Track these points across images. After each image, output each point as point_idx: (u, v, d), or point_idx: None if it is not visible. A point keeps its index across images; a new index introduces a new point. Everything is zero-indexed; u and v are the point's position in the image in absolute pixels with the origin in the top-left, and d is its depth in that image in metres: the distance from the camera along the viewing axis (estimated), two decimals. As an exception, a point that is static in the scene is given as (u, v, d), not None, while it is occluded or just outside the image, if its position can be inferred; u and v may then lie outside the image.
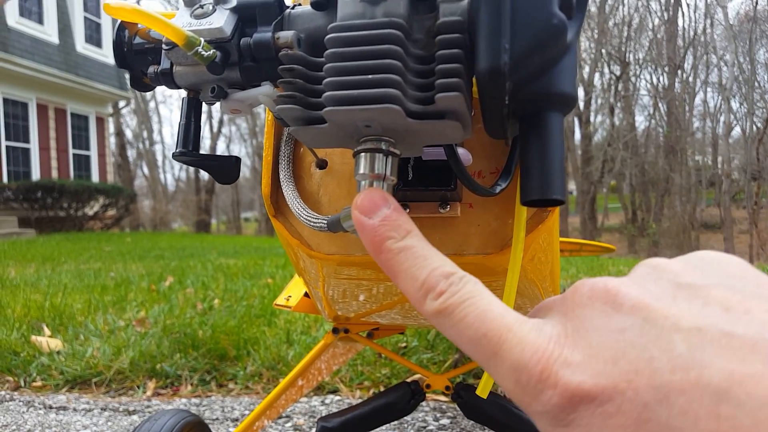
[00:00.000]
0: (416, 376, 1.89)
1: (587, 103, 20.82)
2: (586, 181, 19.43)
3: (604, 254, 3.84)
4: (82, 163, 15.67)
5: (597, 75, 20.96)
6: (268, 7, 0.52)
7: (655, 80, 21.07)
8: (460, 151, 0.63)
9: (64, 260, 7.08)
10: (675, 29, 19.36)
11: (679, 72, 19.35)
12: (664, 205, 18.05)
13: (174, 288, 3.99)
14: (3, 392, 2.16)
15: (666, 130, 19.81)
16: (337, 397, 2.00)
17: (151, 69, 0.55)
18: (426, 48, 0.50)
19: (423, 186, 0.66)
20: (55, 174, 14.36)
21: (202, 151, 0.58)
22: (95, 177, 15.89)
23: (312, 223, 0.66)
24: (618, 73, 20.43)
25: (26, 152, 13.87)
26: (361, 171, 0.51)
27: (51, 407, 1.95)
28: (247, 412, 1.88)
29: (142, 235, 15.11)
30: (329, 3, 0.50)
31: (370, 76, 0.46)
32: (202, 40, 0.51)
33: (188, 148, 0.56)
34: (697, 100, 20.71)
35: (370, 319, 1.07)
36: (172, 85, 0.55)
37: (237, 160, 0.60)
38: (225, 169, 0.58)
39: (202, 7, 0.53)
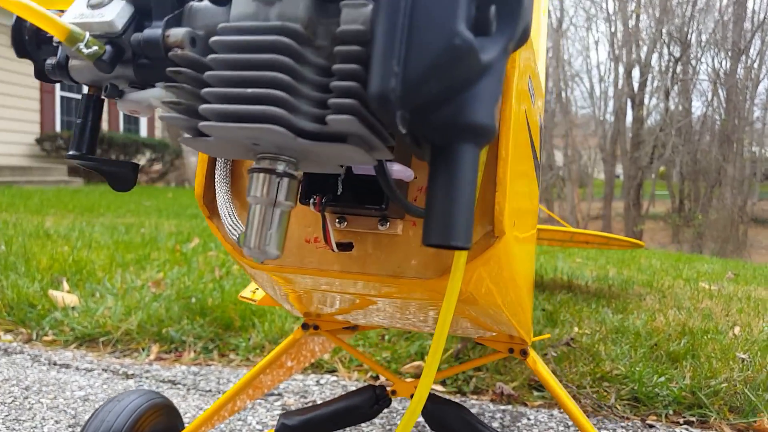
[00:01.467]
0: (383, 380, 1.86)
1: (642, 85, 19.95)
2: (634, 165, 18.78)
3: (632, 248, 3.69)
4: (132, 116, 16.06)
5: (655, 56, 20.00)
6: (162, 0, 0.47)
7: (716, 64, 19.98)
8: (396, 167, 0.57)
9: (102, 212, 7.30)
10: (743, 11, 18.22)
11: (744, 57, 18.28)
12: (713, 196, 17.33)
13: (197, 250, 4.05)
14: (15, 343, 2.24)
15: (723, 117, 18.87)
16: (333, 378, 1.99)
17: (49, 62, 0.51)
18: (330, 57, 0.44)
19: (356, 202, 0.61)
20: (105, 126, 14.76)
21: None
22: (143, 131, 16.27)
23: (231, 233, 0.62)
24: (678, 54, 19.45)
25: (79, 103, 14.27)
26: (252, 193, 0.47)
27: (55, 364, 2.01)
28: (240, 386, 1.89)
29: (184, 192, 15.44)
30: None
31: (252, 90, 0.40)
32: (87, 35, 0.46)
33: (82, 151, 0.52)
34: (761, 88, 19.59)
35: (343, 319, 1.03)
36: (69, 80, 0.51)
37: (135, 167, 0.56)
38: (121, 175, 0.54)
39: None
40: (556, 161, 21.04)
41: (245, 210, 0.67)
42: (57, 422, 1.49)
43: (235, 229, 0.61)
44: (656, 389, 1.75)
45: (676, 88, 19.78)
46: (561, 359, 1.95)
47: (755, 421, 1.61)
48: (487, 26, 0.38)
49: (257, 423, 1.58)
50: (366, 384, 1.05)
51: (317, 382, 1.95)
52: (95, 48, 0.46)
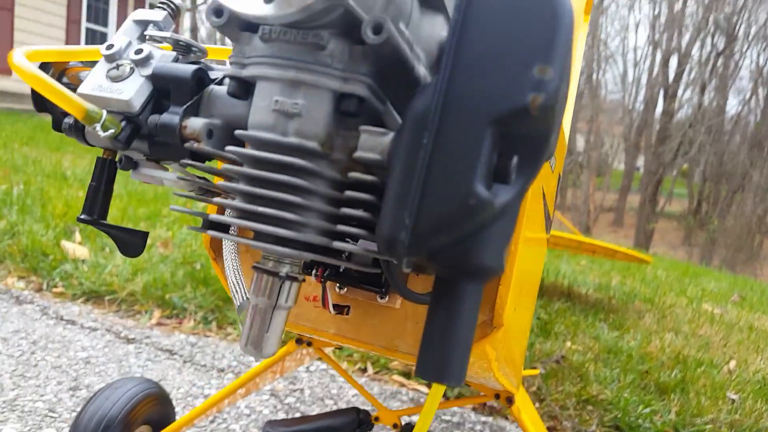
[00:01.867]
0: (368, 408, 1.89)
1: (678, 76, 19.40)
2: (657, 160, 18.49)
3: (639, 263, 3.69)
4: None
5: (697, 45, 19.32)
6: (181, 85, 0.47)
7: (761, 61, 19.32)
8: None
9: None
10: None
11: (790, 60, 17.69)
12: (733, 202, 17.07)
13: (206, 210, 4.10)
14: (26, 292, 2.30)
15: (758, 120, 18.41)
16: (323, 366, 2.03)
17: (67, 120, 0.52)
18: (344, 172, 0.44)
19: (357, 282, 0.62)
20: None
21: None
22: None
23: (234, 294, 0.64)
24: (721, 46, 18.81)
25: (104, 36, 14.20)
26: (254, 292, 0.48)
27: (62, 318, 2.07)
28: (234, 363, 1.94)
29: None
30: (247, 93, 0.45)
31: (263, 209, 0.41)
32: (104, 113, 0.47)
33: (94, 216, 0.53)
34: (802, 94, 18.98)
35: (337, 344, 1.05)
36: (84, 142, 0.52)
37: (144, 236, 0.57)
38: (131, 242, 0.56)
39: (118, 67, 0.49)
40: (577, 146, 20.74)
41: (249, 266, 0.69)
42: (59, 383, 1.55)
43: (237, 291, 0.63)
44: (639, 420, 1.78)
45: (713, 82, 19.23)
46: (549, 376, 1.98)
47: (732, 466, 1.64)
48: (507, 176, 0.38)
49: (245, 407, 1.63)
50: (351, 406, 1.08)
51: (307, 368, 2.00)
52: (111, 130, 0.47)
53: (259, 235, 0.42)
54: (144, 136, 0.50)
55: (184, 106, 0.48)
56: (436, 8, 0.46)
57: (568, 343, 2.32)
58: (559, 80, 0.34)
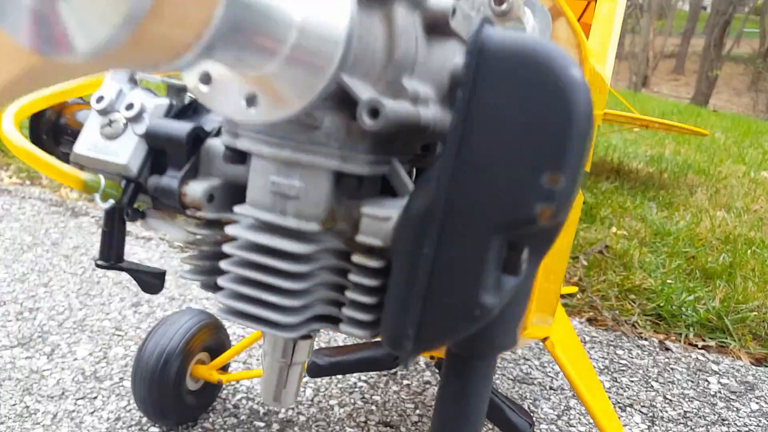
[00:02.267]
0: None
1: None
2: (726, -2, 16.73)
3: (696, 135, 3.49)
4: None
5: None
6: (177, 147, 0.44)
7: None
8: None
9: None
10: None
11: None
12: (810, 40, 15.52)
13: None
14: (80, 202, 2.41)
15: None
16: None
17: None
18: (349, 242, 0.41)
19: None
20: None
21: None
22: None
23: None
24: None
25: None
26: (266, 350, 0.48)
27: (117, 230, 2.18)
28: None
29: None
30: (243, 159, 0.41)
31: (256, 294, 0.40)
32: (102, 182, 0.45)
33: (111, 261, 0.53)
34: None
35: None
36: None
37: (162, 275, 0.57)
38: (150, 281, 0.56)
39: (111, 124, 0.46)
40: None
41: None
42: (122, 300, 1.67)
43: None
44: (683, 308, 1.79)
45: None
46: (591, 267, 1.99)
47: (774, 353, 1.66)
48: (517, 268, 0.35)
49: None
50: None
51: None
52: (111, 200, 0.45)
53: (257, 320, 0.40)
54: (146, 191, 0.48)
55: (182, 172, 0.45)
56: (444, 34, 0.40)
57: (614, 229, 2.29)
58: (572, 189, 0.30)
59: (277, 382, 0.48)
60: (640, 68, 18.08)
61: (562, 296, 1.87)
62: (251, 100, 0.32)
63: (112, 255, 0.53)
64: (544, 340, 1.03)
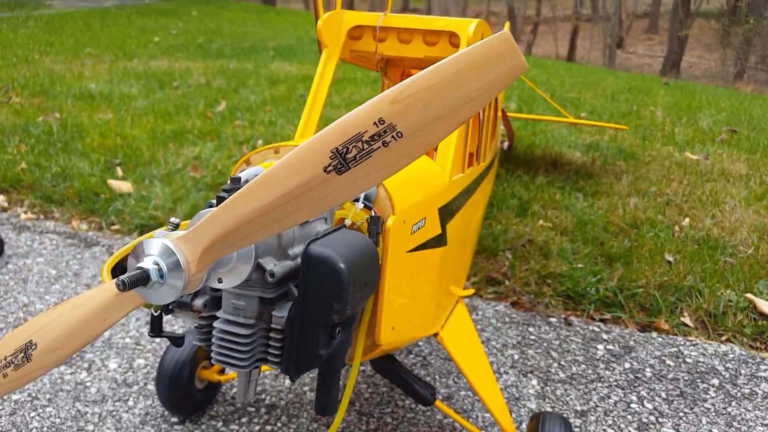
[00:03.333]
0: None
1: None
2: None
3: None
4: None
5: None
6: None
7: None
8: None
9: (133, 49, 7.54)
10: None
11: None
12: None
13: (225, 117, 4.44)
14: (90, 233, 2.82)
15: None
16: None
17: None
18: (268, 324, 0.86)
19: None
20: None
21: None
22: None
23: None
24: None
25: None
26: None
27: (125, 257, 2.60)
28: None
29: (208, 10, 15.00)
30: (220, 291, 0.86)
31: (226, 351, 0.84)
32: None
33: (156, 332, 0.95)
34: None
35: None
36: None
37: (181, 338, 0.99)
38: (175, 339, 0.98)
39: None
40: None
41: None
42: (137, 320, 2.10)
43: None
44: (588, 288, 2.23)
45: None
46: (516, 258, 2.42)
47: (655, 321, 2.11)
48: (335, 337, 0.82)
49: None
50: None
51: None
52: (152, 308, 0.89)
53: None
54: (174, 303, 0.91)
55: (190, 296, 0.88)
56: (309, 222, 0.85)
57: (541, 221, 2.72)
58: (351, 308, 0.75)
59: (243, 389, 0.92)
60: (614, 30, 18.32)
61: (491, 284, 2.30)
62: (220, 280, 0.76)
63: (156, 328, 0.96)
64: (435, 335, 1.45)
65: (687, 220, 2.77)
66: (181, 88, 5.38)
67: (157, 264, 0.66)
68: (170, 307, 0.89)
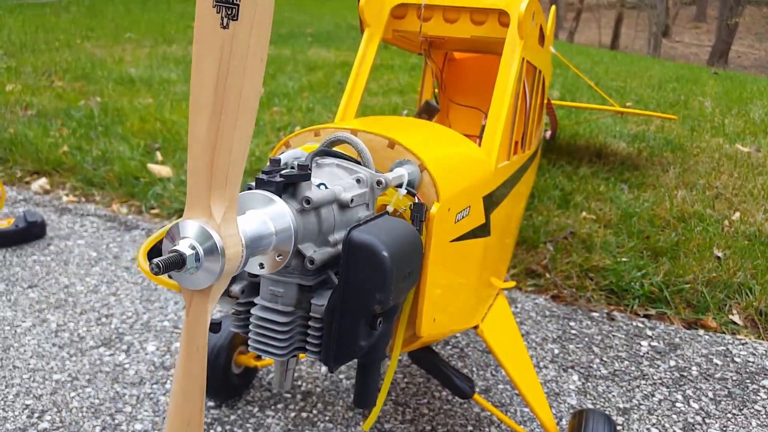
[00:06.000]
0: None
1: None
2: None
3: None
4: None
5: None
6: None
7: None
8: None
9: (172, 36, 7.62)
10: None
11: None
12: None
13: (262, 103, 4.45)
14: (130, 216, 2.87)
15: None
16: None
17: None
18: (307, 311, 0.84)
19: None
20: None
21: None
22: None
23: None
24: None
25: None
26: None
27: (163, 241, 2.63)
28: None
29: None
30: (257, 277, 0.83)
31: (264, 338, 0.82)
32: None
33: None
34: None
35: None
36: None
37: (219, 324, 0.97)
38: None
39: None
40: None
41: None
42: (176, 303, 2.12)
43: None
44: (632, 283, 2.16)
45: None
46: (558, 250, 2.35)
47: (702, 318, 2.02)
48: (376, 328, 0.78)
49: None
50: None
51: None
52: None
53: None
54: None
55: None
56: (349, 208, 0.83)
57: (584, 213, 2.64)
58: (393, 298, 0.71)
59: (280, 377, 0.89)
60: (659, 18, 17.74)
61: (531, 276, 2.25)
62: (261, 266, 0.74)
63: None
64: (475, 328, 1.41)
65: (737, 214, 2.64)
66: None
67: (194, 247, 0.63)
68: None
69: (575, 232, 2.46)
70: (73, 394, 1.59)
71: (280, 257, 0.73)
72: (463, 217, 1.05)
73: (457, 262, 1.08)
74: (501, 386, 1.69)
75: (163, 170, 3.19)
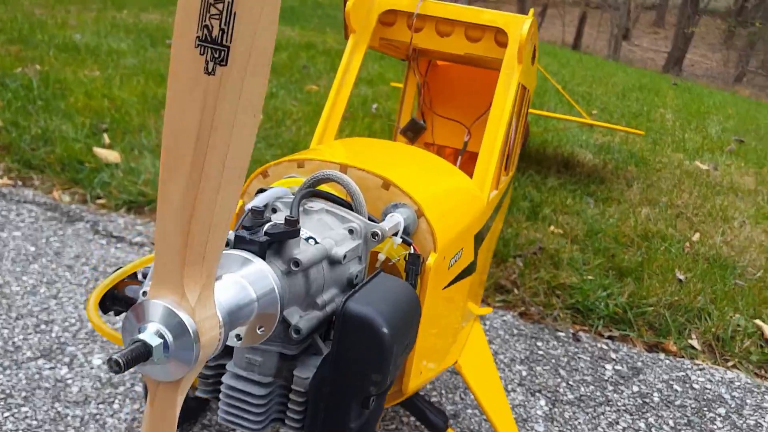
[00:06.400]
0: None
1: None
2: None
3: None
4: None
5: None
6: None
7: None
8: None
9: (122, 0, 7.19)
10: None
11: None
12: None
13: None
14: (74, 206, 2.66)
15: None
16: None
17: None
18: (288, 387, 0.74)
19: None
20: None
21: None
22: None
23: None
24: None
25: None
26: None
27: (112, 236, 2.44)
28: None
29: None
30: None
31: (238, 411, 0.72)
32: None
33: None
34: None
35: None
36: None
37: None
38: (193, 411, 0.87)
39: None
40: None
41: None
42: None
43: None
44: (597, 302, 2.15)
45: None
46: (527, 265, 2.32)
47: (663, 342, 2.04)
48: (368, 407, 0.69)
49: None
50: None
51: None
52: None
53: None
54: None
55: None
56: (341, 264, 0.73)
57: (552, 227, 2.62)
58: (390, 377, 0.62)
59: None
60: (621, 20, 18.10)
61: (500, 292, 2.21)
62: (238, 337, 0.64)
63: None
64: (454, 363, 1.35)
65: (697, 235, 2.69)
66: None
67: (162, 335, 0.51)
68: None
69: (544, 247, 2.44)
70: (6, 414, 1.44)
71: (262, 330, 0.63)
72: (455, 261, 0.97)
73: (447, 307, 1.01)
74: (470, 411, 1.64)
75: (110, 155, 2.98)
